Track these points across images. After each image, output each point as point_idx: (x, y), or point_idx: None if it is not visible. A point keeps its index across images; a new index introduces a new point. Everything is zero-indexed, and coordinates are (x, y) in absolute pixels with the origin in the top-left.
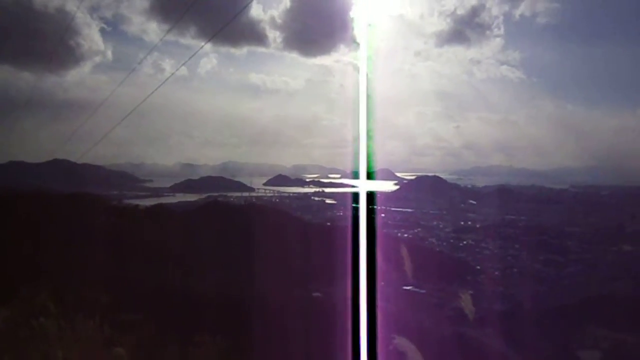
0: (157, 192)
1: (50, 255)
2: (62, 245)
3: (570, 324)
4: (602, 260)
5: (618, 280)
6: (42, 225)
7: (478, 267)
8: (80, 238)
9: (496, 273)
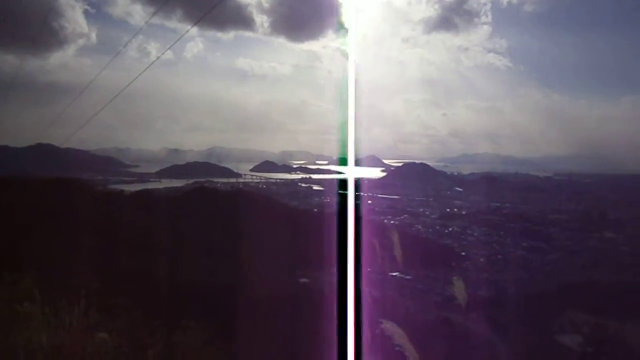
0: (142, 178)
1: (34, 240)
2: (46, 230)
3: (553, 309)
4: (584, 246)
5: (599, 266)
6: (26, 210)
7: (463, 254)
8: (65, 223)
9: (481, 259)
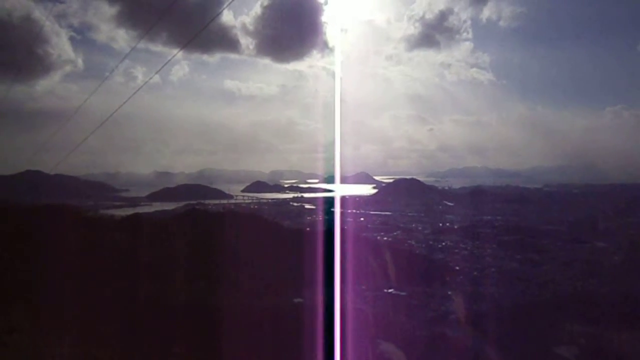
0: (133, 202)
1: (24, 269)
2: (36, 259)
3: (548, 320)
4: (576, 257)
5: (593, 277)
6: (15, 239)
7: (457, 268)
8: (55, 251)
9: (475, 273)
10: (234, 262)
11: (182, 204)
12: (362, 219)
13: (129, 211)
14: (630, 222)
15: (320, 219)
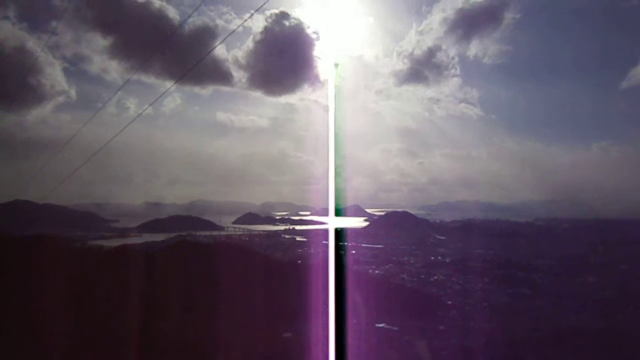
0: (123, 232)
1: (10, 300)
2: (23, 290)
3: (541, 356)
4: (568, 291)
5: (584, 312)
6: (2, 269)
7: (449, 302)
8: (42, 282)
9: (467, 307)
10: (224, 295)
11: (172, 235)
12: (354, 251)
13: (119, 242)
14: (620, 257)
15: (312, 251)
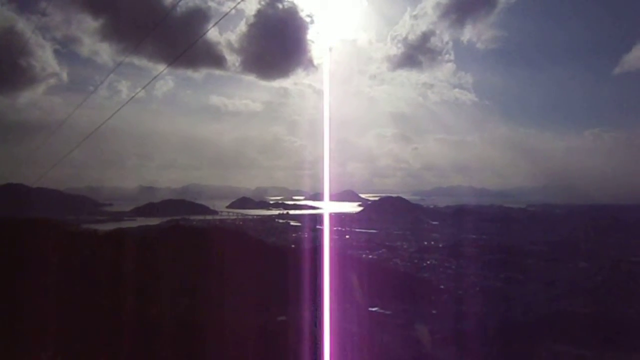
0: (117, 216)
1: (3, 286)
2: (15, 273)
3: (532, 340)
4: (560, 277)
5: (576, 296)
6: None
7: (442, 287)
8: (35, 266)
9: (459, 292)
10: (218, 279)
11: (166, 219)
12: (347, 236)
13: (113, 226)
14: (612, 243)
15: (306, 235)
